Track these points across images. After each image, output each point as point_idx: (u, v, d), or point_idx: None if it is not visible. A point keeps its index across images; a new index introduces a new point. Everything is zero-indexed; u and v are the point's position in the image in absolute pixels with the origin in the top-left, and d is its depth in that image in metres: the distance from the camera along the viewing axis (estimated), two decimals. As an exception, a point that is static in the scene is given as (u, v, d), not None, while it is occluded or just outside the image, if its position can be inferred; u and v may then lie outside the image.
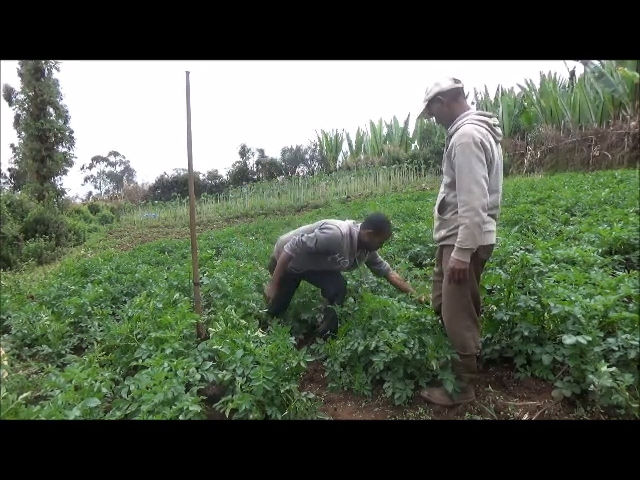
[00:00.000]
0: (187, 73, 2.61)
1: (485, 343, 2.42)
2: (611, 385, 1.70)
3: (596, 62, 14.55)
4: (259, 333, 2.38)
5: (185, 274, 4.00)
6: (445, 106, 2.02)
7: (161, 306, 2.86)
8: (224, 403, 1.89)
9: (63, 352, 2.94)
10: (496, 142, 1.97)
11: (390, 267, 3.11)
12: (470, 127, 1.88)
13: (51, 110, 13.58)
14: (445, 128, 2.09)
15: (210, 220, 14.90)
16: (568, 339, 1.89)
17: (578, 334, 1.93)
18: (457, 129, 1.94)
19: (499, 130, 2.01)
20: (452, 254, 1.90)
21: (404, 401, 2.09)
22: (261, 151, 26.72)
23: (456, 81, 2.01)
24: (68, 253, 9.49)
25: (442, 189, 2.08)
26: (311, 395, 2.08)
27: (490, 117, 1.98)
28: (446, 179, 2.02)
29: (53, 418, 1.60)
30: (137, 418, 1.69)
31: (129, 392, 1.84)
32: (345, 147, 26.68)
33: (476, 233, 1.83)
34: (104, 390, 1.84)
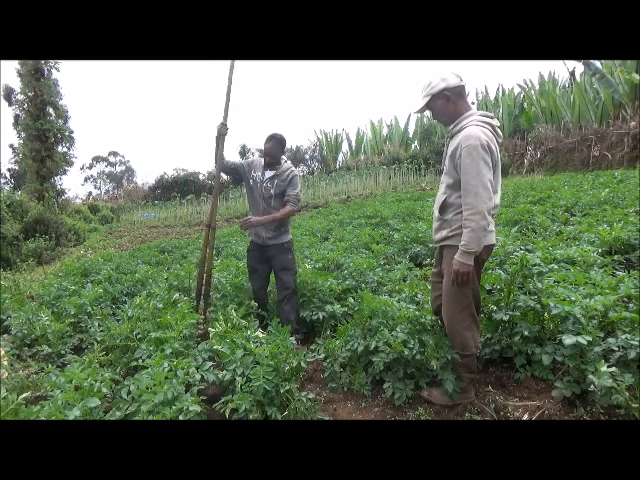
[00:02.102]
0: (232, 64, 2.84)
1: (485, 343, 2.42)
2: (611, 385, 1.70)
3: (596, 62, 14.56)
4: (259, 333, 2.38)
5: (185, 274, 4.00)
6: (451, 103, 1.98)
7: (161, 306, 2.86)
8: (224, 403, 1.89)
9: (63, 352, 2.94)
10: (497, 143, 1.97)
11: (291, 204, 3.01)
12: (477, 129, 1.87)
13: (51, 110, 13.59)
14: (445, 125, 2.07)
15: (210, 220, 14.86)
16: (568, 339, 1.89)
17: (578, 334, 1.93)
18: (461, 129, 1.93)
19: (500, 131, 2.01)
20: (456, 256, 1.90)
21: (404, 401, 2.09)
22: (261, 151, 26.65)
23: (460, 78, 2.01)
24: (68, 253, 9.49)
25: (443, 190, 2.06)
26: (311, 395, 2.09)
27: (492, 118, 1.98)
28: (447, 179, 2.00)
29: (53, 418, 1.60)
30: (137, 418, 1.69)
31: (129, 392, 1.84)
32: (345, 147, 26.73)
33: (481, 236, 1.83)
34: (104, 390, 1.84)
